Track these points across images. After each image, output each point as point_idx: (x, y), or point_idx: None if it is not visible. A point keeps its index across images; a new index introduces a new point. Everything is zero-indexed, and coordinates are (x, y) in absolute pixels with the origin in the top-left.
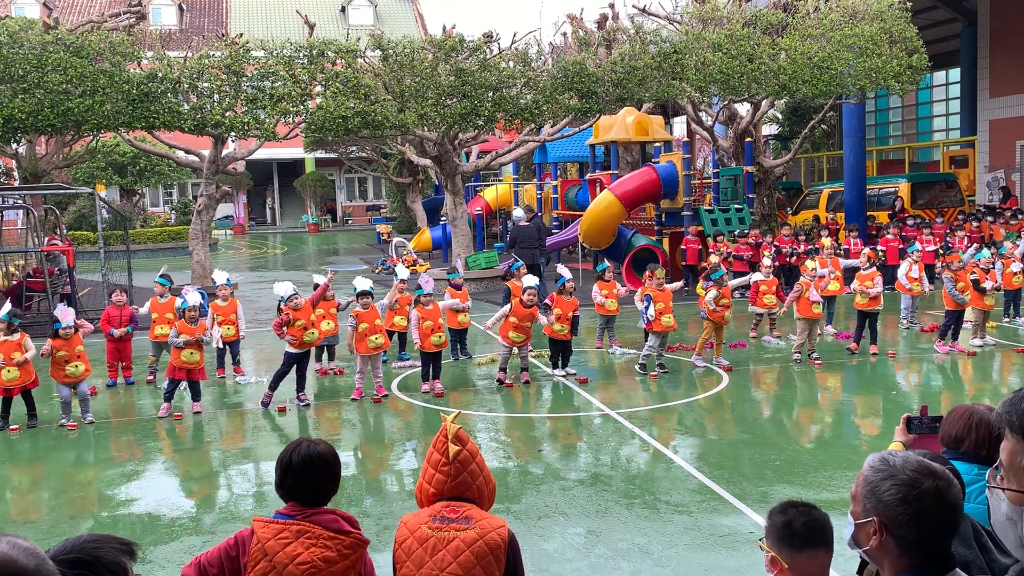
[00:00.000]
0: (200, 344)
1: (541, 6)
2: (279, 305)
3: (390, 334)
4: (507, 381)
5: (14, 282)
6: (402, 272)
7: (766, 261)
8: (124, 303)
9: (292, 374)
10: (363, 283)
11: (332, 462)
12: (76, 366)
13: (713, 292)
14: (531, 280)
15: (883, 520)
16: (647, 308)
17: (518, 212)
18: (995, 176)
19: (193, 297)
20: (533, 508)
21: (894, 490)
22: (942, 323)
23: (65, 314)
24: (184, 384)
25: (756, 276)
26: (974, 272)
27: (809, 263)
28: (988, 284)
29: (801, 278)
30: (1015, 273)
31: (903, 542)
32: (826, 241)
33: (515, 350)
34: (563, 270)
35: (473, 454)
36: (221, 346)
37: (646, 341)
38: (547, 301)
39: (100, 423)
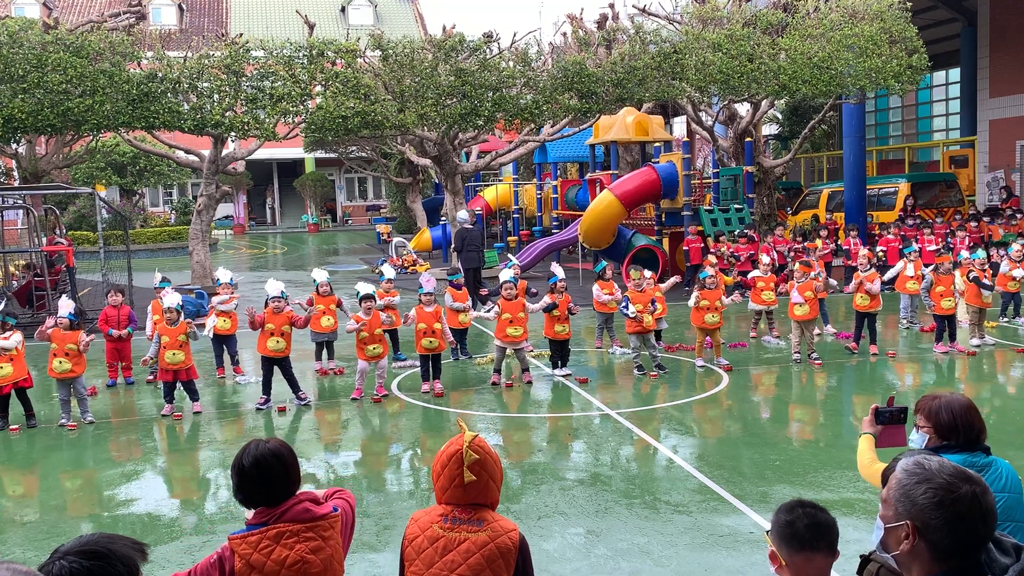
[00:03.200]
0: (182, 345)
1: (541, 6)
2: (266, 302)
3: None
4: (506, 382)
5: (22, 282)
6: (388, 272)
7: (764, 259)
8: (121, 303)
9: (280, 376)
10: (366, 287)
11: (285, 458)
12: (61, 362)
13: (694, 295)
14: (507, 274)
15: (917, 524)
16: (626, 306)
17: (463, 214)
18: (995, 176)
19: (171, 299)
20: (533, 508)
21: (930, 494)
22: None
23: (63, 305)
24: (180, 386)
25: (754, 273)
26: (973, 271)
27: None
28: (986, 283)
29: (791, 280)
30: (1012, 279)
31: (936, 547)
32: (817, 242)
33: (509, 350)
34: (556, 269)
35: (490, 472)
36: (211, 336)
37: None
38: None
39: (100, 423)
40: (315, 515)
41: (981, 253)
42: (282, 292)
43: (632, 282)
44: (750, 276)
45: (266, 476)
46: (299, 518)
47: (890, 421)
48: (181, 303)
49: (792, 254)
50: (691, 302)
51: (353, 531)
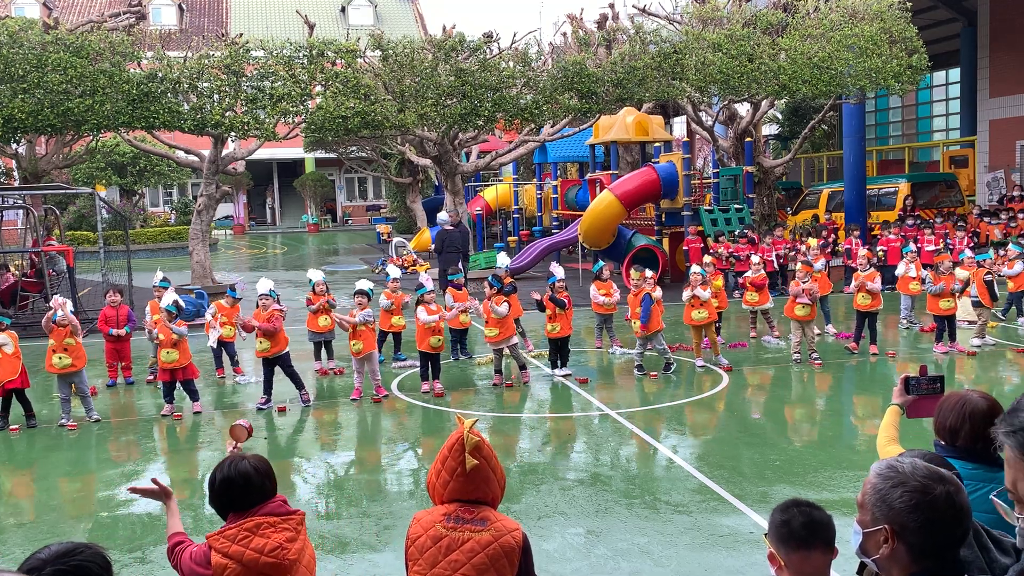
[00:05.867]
0: (175, 343)
1: (541, 6)
2: (257, 302)
3: (384, 335)
4: (506, 382)
5: (10, 281)
6: (393, 271)
7: (754, 259)
8: (120, 303)
9: (282, 376)
10: (362, 284)
11: (252, 480)
12: (60, 357)
13: (687, 292)
14: (503, 259)
15: (894, 527)
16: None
17: (442, 215)
18: (995, 176)
19: (164, 300)
20: (533, 508)
21: (906, 497)
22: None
23: (59, 304)
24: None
25: (746, 275)
26: (988, 273)
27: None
28: (933, 285)
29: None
30: (1012, 277)
31: (914, 549)
32: (812, 241)
33: (506, 350)
34: (555, 269)
35: (489, 460)
36: (216, 346)
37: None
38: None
39: (100, 423)
40: (288, 510)
41: (990, 254)
42: (271, 291)
43: (633, 283)
44: (741, 279)
45: (232, 495)
46: (274, 512)
47: (923, 391)
48: (177, 303)
49: (795, 254)
50: (702, 295)
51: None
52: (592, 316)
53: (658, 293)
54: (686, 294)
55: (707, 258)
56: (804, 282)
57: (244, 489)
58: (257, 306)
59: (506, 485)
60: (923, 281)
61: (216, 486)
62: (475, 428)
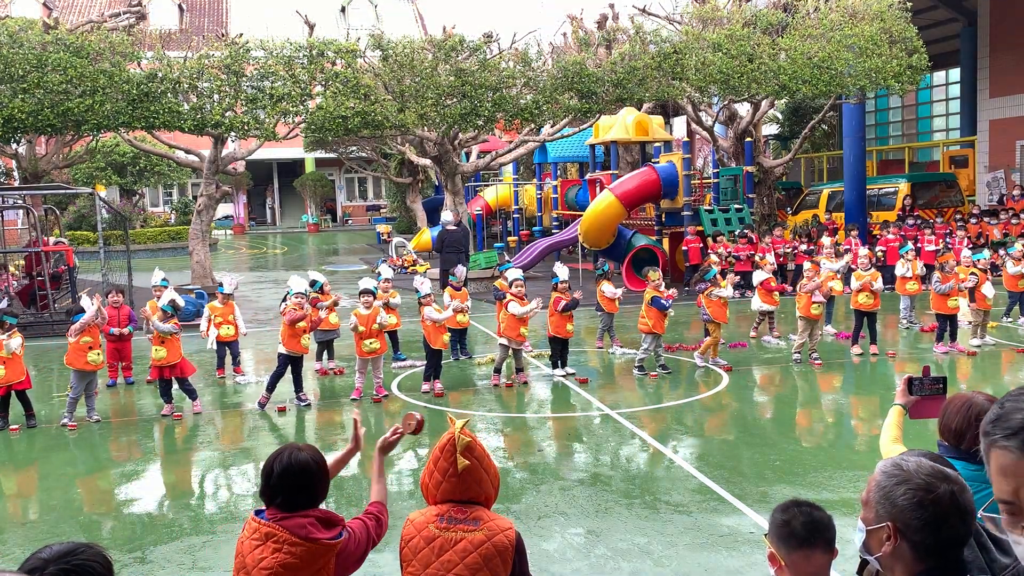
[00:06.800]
0: (163, 341)
1: (541, 6)
2: (285, 296)
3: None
4: (506, 382)
5: (24, 283)
6: (385, 271)
7: (769, 259)
8: (120, 303)
9: (288, 375)
10: (366, 283)
11: (312, 470)
12: (98, 354)
13: (721, 290)
14: (516, 272)
15: (898, 525)
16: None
17: (446, 215)
18: (995, 176)
19: (165, 298)
20: (533, 508)
21: (910, 495)
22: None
23: (89, 303)
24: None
25: (762, 275)
26: (974, 272)
27: (823, 261)
28: (942, 286)
29: (804, 278)
30: (1018, 275)
31: (918, 547)
32: (825, 240)
33: (511, 351)
34: (559, 269)
35: (481, 460)
36: (215, 347)
37: (642, 343)
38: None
39: (100, 423)
40: (309, 535)
41: (986, 253)
42: (305, 290)
43: (651, 284)
44: (760, 280)
45: (288, 486)
46: (294, 530)
47: (926, 392)
48: (174, 302)
49: (794, 254)
50: (723, 293)
51: (365, 554)
52: (592, 316)
53: (674, 292)
54: (720, 291)
55: (713, 256)
56: (814, 279)
57: (295, 485)
58: (284, 301)
59: (507, 485)
60: (923, 280)
61: (272, 478)
62: (466, 428)
